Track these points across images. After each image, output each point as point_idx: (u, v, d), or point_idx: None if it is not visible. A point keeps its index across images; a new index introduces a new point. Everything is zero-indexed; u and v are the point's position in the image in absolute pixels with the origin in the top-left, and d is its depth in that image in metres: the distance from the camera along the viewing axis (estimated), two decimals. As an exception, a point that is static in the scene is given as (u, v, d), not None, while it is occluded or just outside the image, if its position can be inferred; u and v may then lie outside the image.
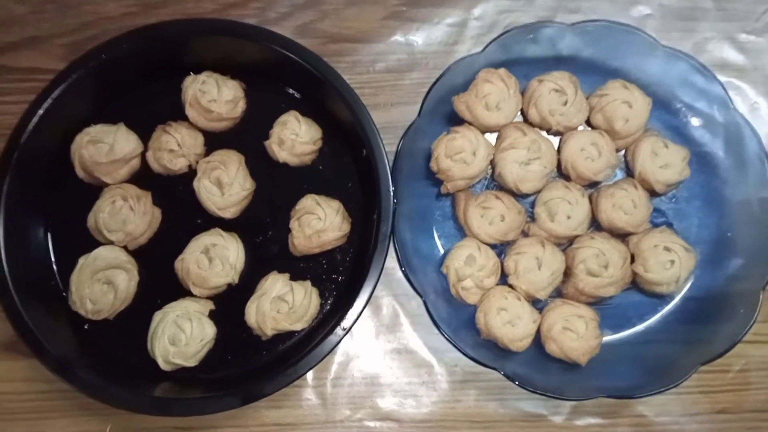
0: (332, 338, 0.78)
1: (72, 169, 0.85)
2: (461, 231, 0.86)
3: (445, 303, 0.83)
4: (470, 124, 0.86)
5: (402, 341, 0.86)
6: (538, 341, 0.82)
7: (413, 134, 0.84)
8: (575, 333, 0.80)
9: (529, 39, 0.89)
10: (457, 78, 0.87)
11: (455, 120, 0.87)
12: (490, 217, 0.83)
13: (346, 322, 0.78)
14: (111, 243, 0.83)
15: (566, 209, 0.83)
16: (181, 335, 0.79)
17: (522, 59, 0.89)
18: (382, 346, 0.86)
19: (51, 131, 0.83)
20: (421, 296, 0.80)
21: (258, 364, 0.82)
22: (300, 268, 0.85)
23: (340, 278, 0.86)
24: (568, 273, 0.83)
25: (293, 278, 0.83)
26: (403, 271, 0.81)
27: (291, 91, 0.90)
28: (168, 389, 0.80)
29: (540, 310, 0.82)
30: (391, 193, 0.80)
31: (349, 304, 0.79)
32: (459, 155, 0.84)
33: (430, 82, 0.86)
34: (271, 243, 0.86)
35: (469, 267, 0.81)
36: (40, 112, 0.81)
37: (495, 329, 0.79)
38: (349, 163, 0.88)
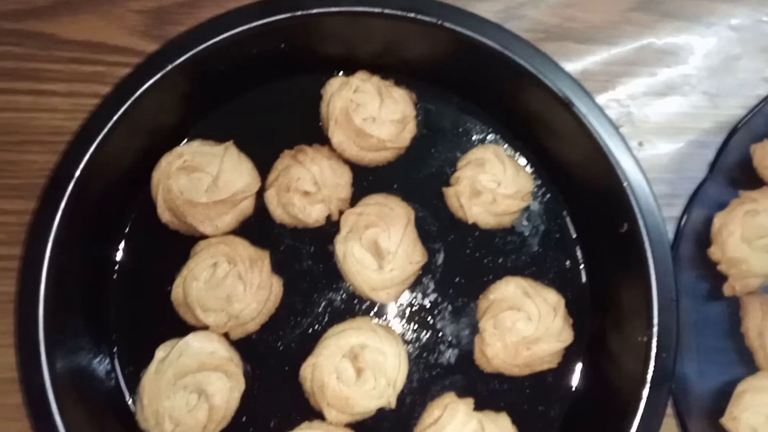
0: None
1: (151, 208, 0.58)
2: (749, 359, 0.55)
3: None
4: (774, 189, 0.56)
5: None
6: None
7: (700, 202, 0.53)
8: None
9: None
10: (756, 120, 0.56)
11: (744, 180, 0.57)
12: (809, 344, 0.53)
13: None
14: (206, 328, 0.55)
15: None
16: (310, 489, 0.51)
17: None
18: None
19: (124, 149, 0.56)
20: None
21: None
22: (490, 390, 0.57)
23: (551, 413, 0.56)
24: None
25: (479, 407, 0.55)
26: (680, 421, 0.51)
27: (486, 112, 0.59)
28: None
29: None
30: (676, 304, 0.49)
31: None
32: (763, 240, 0.53)
33: (699, 113, 0.62)
34: (446, 347, 0.58)
35: (783, 429, 0.51)
36: (113, 120, 0.52)
37: None
38: (571, 231, 0.58)
